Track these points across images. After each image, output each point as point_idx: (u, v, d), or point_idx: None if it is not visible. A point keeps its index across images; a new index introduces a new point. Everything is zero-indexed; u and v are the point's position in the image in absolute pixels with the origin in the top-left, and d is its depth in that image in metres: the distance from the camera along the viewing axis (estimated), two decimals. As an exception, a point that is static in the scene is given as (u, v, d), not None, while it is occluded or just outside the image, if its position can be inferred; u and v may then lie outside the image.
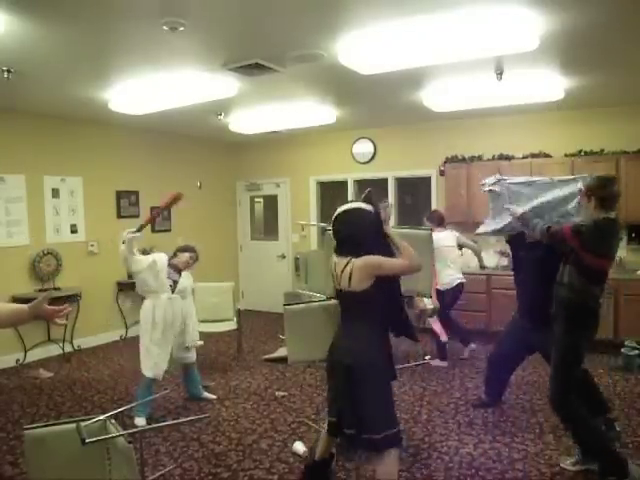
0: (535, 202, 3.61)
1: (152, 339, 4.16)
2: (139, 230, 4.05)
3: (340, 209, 2.81)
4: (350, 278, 2.67)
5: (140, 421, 4.05)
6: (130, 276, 7.02)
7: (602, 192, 3.17)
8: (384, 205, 2.93)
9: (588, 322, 3.22)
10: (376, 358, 2.72)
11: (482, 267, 6.06)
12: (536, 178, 3.84)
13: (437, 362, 5.43)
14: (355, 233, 2.73)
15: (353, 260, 2.67)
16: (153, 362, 4.16)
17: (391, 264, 2.69)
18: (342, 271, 2.71)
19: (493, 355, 4.33)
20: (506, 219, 3.72)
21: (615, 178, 3.99)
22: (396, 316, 2.92)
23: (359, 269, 2.65)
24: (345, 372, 2.68)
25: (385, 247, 2.75)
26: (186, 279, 4.51)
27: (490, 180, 3.85)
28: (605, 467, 3.11)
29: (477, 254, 5.89)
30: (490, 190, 3.83)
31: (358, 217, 2.74)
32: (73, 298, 6.15)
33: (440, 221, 5.64)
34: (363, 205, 2.78)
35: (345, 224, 2.76)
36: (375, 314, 2.75)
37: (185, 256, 4.48)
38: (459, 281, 5.56)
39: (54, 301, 5.81)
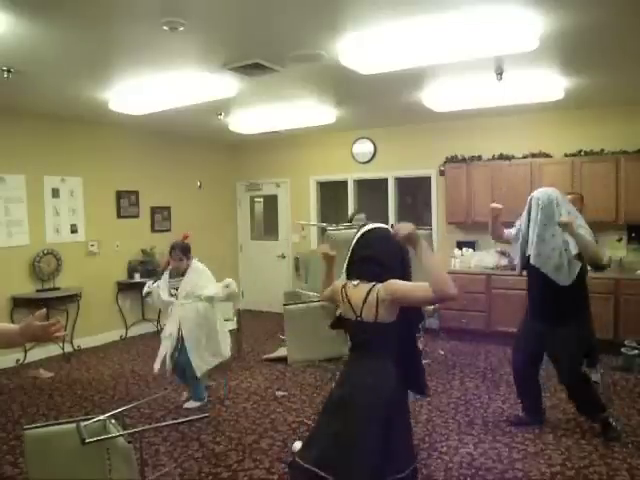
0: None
1: None
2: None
3: (367, 227, 2.42)
4: (377, 308, 2.21)
5: None
6: (131, 276, 7.04)
7: None
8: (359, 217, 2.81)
9: None
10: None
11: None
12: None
13: None
14: (382, 254, 2.31)
15: (378, 286, 2.23)
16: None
17: (414, 293, 2.18)
18: (365, 300, 2.23)
19: (517, 362, 3.99)
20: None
21: None
22: (407, 361, 2.36)
23: (387, 296, 2.21)
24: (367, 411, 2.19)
25: (408, 278, 2.34)
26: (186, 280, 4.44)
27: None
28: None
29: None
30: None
31: (386, 237, 2.33)
32: (73, 298, 6.17)
33: None
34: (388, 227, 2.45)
35: (373, 243, 2.34)
36: (395, 348, 2.30)
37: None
38: None
39: (54, 301, 5.89)
